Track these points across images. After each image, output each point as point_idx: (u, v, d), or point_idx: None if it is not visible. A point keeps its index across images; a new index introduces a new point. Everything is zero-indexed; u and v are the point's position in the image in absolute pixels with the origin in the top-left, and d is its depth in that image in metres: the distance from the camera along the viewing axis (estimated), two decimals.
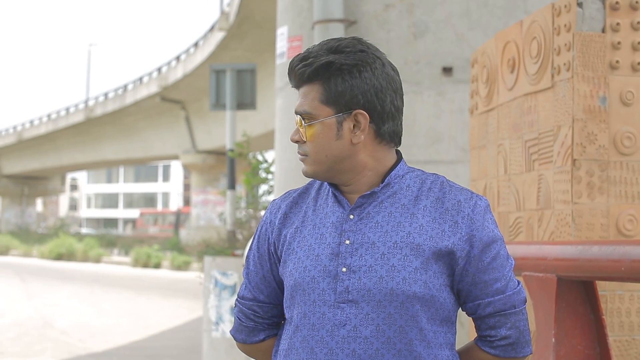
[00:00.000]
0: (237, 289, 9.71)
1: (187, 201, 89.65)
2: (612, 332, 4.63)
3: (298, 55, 2.57)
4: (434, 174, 2.65)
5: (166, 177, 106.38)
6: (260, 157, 14.49)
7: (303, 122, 2.56)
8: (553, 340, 3.91)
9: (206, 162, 51.30)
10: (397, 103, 2.58)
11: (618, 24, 4.82)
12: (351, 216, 2.55)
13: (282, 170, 10.39)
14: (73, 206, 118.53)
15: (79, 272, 37.77)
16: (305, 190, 2.73)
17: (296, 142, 2.60)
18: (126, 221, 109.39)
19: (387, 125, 2.56)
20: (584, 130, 4.73)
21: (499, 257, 2.55)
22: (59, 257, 49.34)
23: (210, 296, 10.08)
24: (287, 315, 2.64)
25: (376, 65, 2.53)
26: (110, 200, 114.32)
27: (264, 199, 14.64)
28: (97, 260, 48.44)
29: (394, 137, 2.60)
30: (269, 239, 2.72)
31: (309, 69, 2.52)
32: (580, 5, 4.79)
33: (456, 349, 2.64)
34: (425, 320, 2.48)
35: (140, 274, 37.96)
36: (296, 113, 2.58)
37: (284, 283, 2.64)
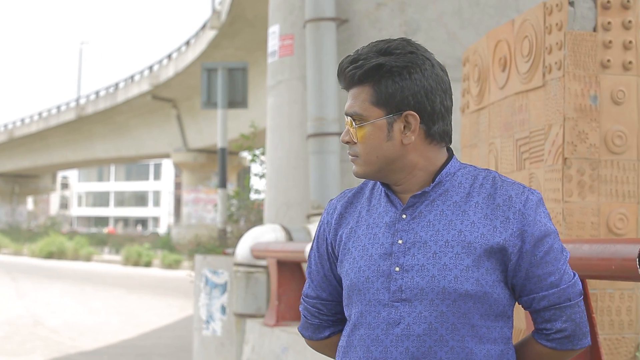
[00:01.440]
0: (228, 288, 9.71)
1: (178, 200, 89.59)
2: (602, 330, 4.64)
3: (347, 57, 2.57)
4: (487, 169, 2.64)
5: (157, 176, 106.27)
6: (257, 151, 14.52)
7: (354, 123, 2.56)
8: None
9: (197, 160, 51.33)
10: (447, 103, 2.58)
11: (609, 23, 4.82)
12: (404, 216, 2.57)
13: (273, 169, 10.38)
14: (64, 204, 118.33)
15: (69, 271, 37.73)
16: (359, 190, 2.75)
17: (347, 142, 2.60)
18: (117, 220, 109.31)
19: (437, 125, 2.56)
20: (575, 129, 4.73)
21: (553, 251, 2.53)
22: (49, 255, 49.32)
23: (201, 295, 10.07)
24: (346, 314, 2.68)
25: (426, 67, 2.53)
26: (101, 199, 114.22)
27: (254, 197, 14.65)
28: (88, 258, 48.43)
29: (444, 137, 2.60)
30: (326, 239, 2.75)
31: (359, 71, 2.52)
32: (571, 4, 4.79)
33: (513, 342, 2.65)
34: (478, 317, 2.49)
35: (130, 273, 37.94)
36: (346, 114, 2.57)
37: (342, 282, 2.68)
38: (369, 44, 2.57)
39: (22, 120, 65.27)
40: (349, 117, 2.58)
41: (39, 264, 43.30)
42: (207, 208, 49.95)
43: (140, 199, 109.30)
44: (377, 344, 2.51)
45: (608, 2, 4.82)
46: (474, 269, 2.47)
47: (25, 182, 79.37)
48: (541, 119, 4.95)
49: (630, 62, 4.83)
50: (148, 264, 43.52)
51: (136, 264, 43.75)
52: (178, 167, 60.86)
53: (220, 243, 12.28)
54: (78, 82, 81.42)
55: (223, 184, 12.85)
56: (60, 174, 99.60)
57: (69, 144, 62.40)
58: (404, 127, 2.53)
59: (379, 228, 2.59)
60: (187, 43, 42.63)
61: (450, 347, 2.47)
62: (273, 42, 10.49)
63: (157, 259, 43.97)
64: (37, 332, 16.74)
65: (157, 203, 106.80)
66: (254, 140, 14.35)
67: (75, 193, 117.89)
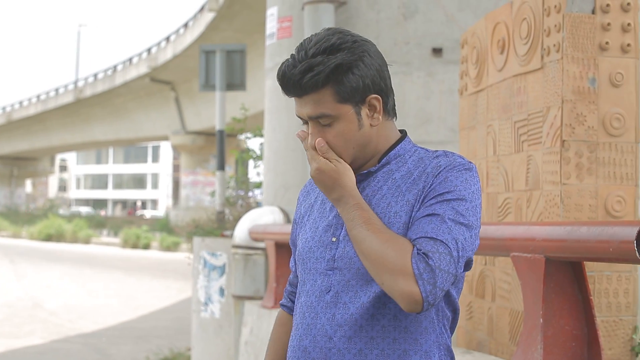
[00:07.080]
0: (226, 270, 9.72)
1: (176, 182, 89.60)
2: (600, 312, 4.65)
3: (293, 66, 2.54)
4: (436, 151, 2.67)
5: (155, 158, 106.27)
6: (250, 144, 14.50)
7: (321, 123, 2.58)
8: (541, 320, 3.92)
9: (196, 143, 51.33)
10: (390, 76, 2.67)
11: (608, 5, 4.82)
12: None
13: (272, 151, 10.37)
14: (62, 187, 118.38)
15: (68, 253, 37.79)
16: None
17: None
18: (115, 202, 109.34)
19: (390, 100, 2.65)
20: (573, 112, 4.73)
21: (459, 197, 2.49)
22: (48, 238, 49.40)
23: (200, 277, 10.08)
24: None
25: (370, 49, 2.59)
26: (99, 181, 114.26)
27: (253, 179, 14.64)
28: (87, 241, 48.51)
29: (395, 111, 2.70)
30: (295, 215, 2.96)
31: (319, 77, 2.52)
32: None
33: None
34: None
35: (129, 255, 38.01)
36: (310, 118, 2.58)
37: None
38: (304, 45, 2.57)
39: (21, 103, 65.23)
40: (311, 120, 2.60)
41: (37, 247, 43.38)
42: (206, 190, 49.99)
43: (138, 181, 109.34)
44: (311, 310, 2.64)
45: None
46: None
47: (24, 164, 79.40)
48: (539, 101, 4.95)
49: (628, 45, 4.82)
50: (146, 247, 43.61)
51: (135, 246, 43.84)
52: (176, 149, 60.86)
53: (219, 225, 12.28)
54: (76, 65, 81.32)
55: (221, 166, 12.84)
56: (58, 157, 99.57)
57: (67, 127, 62.38)
58: (370, 111, 2.60)
59: (328, 203, 2.74)
60: (186, 25, 42.59)
61: (371, 314, 2.55)
62: (271, 24, 10.47)
63: (156, 241, 44.05)
64: (36, 314, 16.78)
65: (155, 185, 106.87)
66: (246, 123, 14.34)
67: (73, 175, 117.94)
